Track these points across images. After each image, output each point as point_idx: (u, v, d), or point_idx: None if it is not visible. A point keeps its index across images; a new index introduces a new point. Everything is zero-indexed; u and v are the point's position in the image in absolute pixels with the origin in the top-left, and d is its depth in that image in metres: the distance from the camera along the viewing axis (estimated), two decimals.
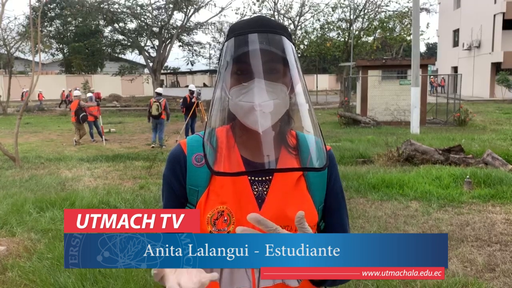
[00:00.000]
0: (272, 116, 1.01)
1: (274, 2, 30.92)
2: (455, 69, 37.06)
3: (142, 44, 32.61)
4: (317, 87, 36.04)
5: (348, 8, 29.08)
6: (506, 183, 6.22)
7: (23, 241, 4.47)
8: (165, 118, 12.38)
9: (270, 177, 1.14)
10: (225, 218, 1.09)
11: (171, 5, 30.23)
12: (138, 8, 30.97)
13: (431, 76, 35.37)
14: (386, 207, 5.62)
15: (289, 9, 31.89)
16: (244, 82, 1.03)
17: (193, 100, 12.99)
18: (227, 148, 1.10)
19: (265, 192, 1.12)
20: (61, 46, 40.49)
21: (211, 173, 1.01)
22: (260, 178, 1.14)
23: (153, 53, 32.42)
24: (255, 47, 1.01)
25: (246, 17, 1.35)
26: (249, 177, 1.13)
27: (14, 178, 7.84)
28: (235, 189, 1.11)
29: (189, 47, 35.56)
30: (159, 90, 12.99)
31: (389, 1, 40.29)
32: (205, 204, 1.11)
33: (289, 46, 1.04)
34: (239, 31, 1.05)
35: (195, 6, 30.64)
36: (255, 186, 1.12)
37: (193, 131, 13.11)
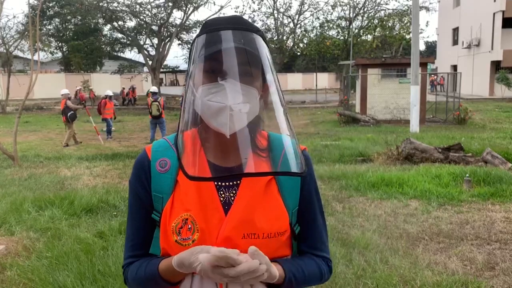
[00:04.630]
0: (242, 121, 0.96)
1: (274, 0, 30.86)
2: (454, 67, 37.05)
3: (141, 42, 32.57)
4: (316, 85, 36.07)
5: (348, 6, 29.07)
6: (506, 181, 6.21)
7: (22, 240, 4.45)
8: (164, 117, 12.40)
9: (238, 181, 1.07)
10: (189, 226, 1.02)
11: (170, 3, 30.18)
12: (137, 6, 30.93)
13: (431, 75, 35.32)
14: (385, 205, 5.61)
15: (289, 8, 31.90)
16: (215, 81, 0.95)
17: None
18: (193, 152, 1.04)
19: (232, 198, 1.05)
20: (60, 44, 40.41)
21: (186, 177, 0.93)
22: (227, 183, 1.07)
23: (152, 52, 32.39)
24: (230, 45, 0.96)
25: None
26: (215, 183, 1.06)
27: (13, 177, 7.83)
28: (200, 196, 1.04)
29: (188, 46, 35.49)
30: (153, 89, 12.88)
31: (389, 0, 40.29)
32: (170, 212, 1.05)
33: (264, 48, 0.99)
34: (213, 27, 0.99)
35: (194, 4, 30.61)
36: (221, 192, 1.06)
37: None
